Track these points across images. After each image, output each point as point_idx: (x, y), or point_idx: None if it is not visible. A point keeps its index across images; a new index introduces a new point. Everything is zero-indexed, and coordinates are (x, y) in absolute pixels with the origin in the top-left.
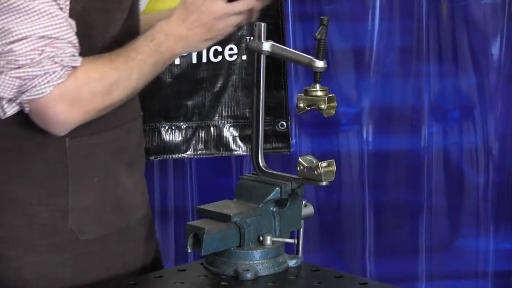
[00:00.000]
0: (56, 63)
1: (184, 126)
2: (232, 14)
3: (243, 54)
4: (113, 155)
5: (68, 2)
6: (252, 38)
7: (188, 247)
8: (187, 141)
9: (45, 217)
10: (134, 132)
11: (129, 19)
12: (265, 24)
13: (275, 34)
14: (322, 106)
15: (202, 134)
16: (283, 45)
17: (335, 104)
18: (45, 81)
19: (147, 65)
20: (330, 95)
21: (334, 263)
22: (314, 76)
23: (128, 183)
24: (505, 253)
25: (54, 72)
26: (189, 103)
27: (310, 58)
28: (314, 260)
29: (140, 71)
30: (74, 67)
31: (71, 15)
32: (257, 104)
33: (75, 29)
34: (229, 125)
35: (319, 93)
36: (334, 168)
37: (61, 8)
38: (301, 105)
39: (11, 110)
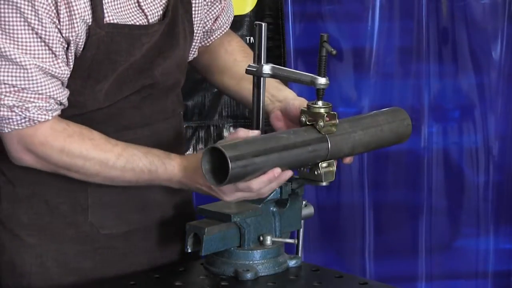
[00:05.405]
0: (13, 111)
1: (184, 126)
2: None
3: None
4: None
5: (63, 44)
6: (252, 63)
7: (188, 247)
8: (187, 141)
9: (66, 210)
10: (162, 133)
11: (160, 40)
12: (265, 24)
13: (275, 34)
14: (320, 123)
15: (202, 134)
16: (283, 44)
17: (336, 121)
18: (4, 123)
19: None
20: (332, 112)
21: (334, 263)
22: (317, 93)
23: None
24: (505, 253)
25: (10, 119)
26: (189, 103)
27: (312, 76)
28: (314, 260)
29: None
30: (40, 121)
31: (94, 40)
32: (257, 104)
33: (61, 79)
34: (229, 125)
35: (321, 110)
36: (334, 168)
37: (53, 52)
38: (303, 119)
39: None
